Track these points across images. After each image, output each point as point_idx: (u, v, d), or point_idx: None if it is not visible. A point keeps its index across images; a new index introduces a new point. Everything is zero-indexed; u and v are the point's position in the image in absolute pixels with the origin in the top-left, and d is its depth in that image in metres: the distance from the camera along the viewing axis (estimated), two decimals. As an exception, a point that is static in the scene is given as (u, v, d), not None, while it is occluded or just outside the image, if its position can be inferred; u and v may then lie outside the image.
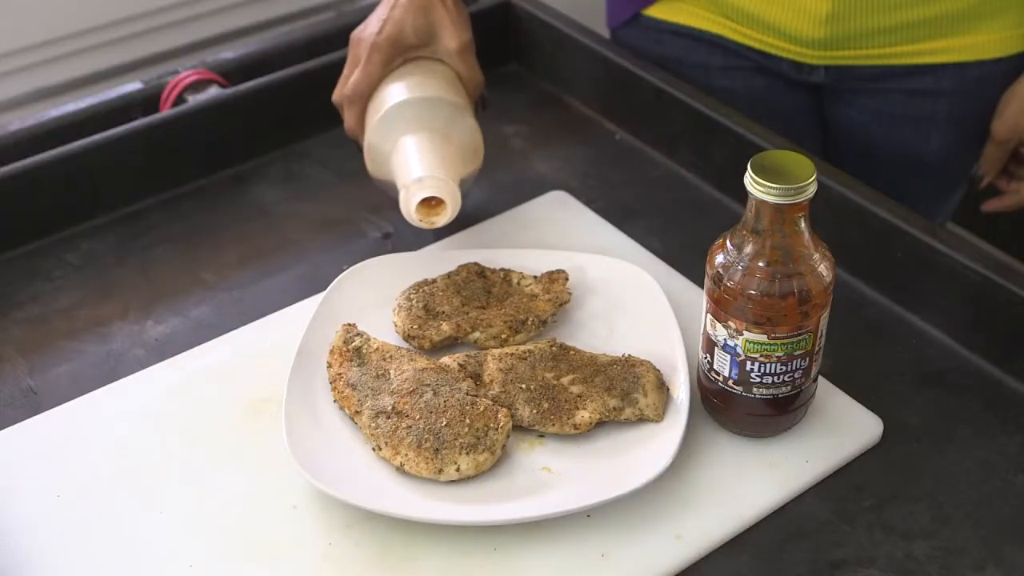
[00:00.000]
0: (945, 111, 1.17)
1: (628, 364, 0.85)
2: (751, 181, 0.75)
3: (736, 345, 0.79)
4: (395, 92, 0.96)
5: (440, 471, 0.79)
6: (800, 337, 0.78)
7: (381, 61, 0.98)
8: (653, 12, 1.22)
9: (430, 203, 0.92)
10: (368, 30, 1.00)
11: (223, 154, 1.14)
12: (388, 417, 0.81)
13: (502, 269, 0.95)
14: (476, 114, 1.02)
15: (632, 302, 0.93)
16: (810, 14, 1.12)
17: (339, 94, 1.01)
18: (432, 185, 0.89)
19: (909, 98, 1.17)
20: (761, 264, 0.77)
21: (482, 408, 0.81)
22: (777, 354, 0.79)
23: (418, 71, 0.98)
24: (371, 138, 0.96)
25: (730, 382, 0.81)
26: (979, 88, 1.16)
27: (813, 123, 1.24)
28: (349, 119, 1.00)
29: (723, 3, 1.17)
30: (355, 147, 1.02)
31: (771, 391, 0.81)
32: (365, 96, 0.99)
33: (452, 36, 1.00)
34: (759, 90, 1.20)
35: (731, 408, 0.83)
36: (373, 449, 0.81)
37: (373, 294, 0.94)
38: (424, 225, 0.92)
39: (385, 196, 1.00)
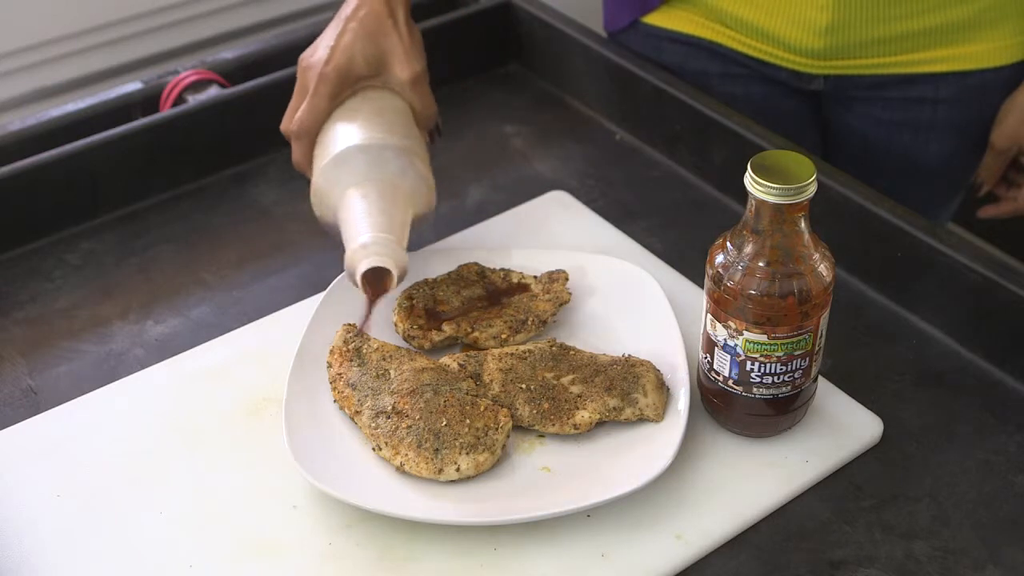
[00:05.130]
0: (944, 119, 1.17)
1: (628, 364, 0.85)
2: (751, 181, 0.75)
3: (736, 345, 0.79)
4: (343, 136, 0.91)
5: (440, 471, 0.79)
6: (800, 337, 0.78)
7: (328, 94, 0.93)
8: (652, 19, 1.22)
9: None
10: (315, 57, 0.94)
11: (223, 154, 1.14)
12: (388, 417, 0.81)
13: (502, 269, 0.95)
14: (429, 147, 0.97)
15: (632, 302, 0.93)
16: (810, 25, 1.11)
17: (287, 125, 0.97)
18: (377, 252, 0.84)
19: (908, 106, 1.17)
20: (761, 264, 0.77)
21: (482, 408, 0.81)
22: (777, 354, 0.79)
23: (367, 107, 0.93)
24: (318, 182, 0.91)
25: (730, 382, 0.81)
26: (978, 96, 1.16)
27: (812, 129, 1.24)
28: (296, 154, 0.95)
29: (722, 12, 1.16)
30: (306, 182, 0.96)
31: (771, 391, 0.81)
32: (312, 131, 0.94)
33: (404, 66, 0.95)
34: (758, 97, 1.20)
35: (731, 408, 0.83)
36: (373, 449, 0.81)
37: (373, 294, 0.94)
38: (369, 295, 0.87)
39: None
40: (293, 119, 0.95)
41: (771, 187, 0.74)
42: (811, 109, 1.23)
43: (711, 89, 1.19)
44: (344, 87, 0.94)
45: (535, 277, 0.94)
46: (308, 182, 0.95)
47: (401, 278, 0.85)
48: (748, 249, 0.77)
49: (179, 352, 0.92)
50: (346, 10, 0.96)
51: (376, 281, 0.86)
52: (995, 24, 1.12)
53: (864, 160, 1.22)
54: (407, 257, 0.86)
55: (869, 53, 1.13)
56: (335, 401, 0.85)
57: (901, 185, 1.18)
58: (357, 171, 0.89)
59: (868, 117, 1.20)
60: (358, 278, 0.85)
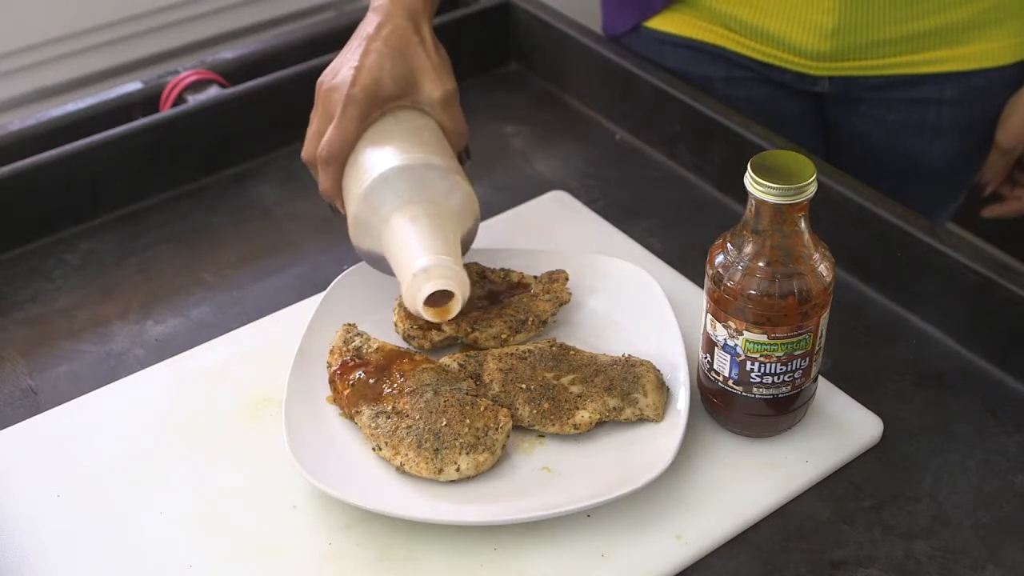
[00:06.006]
0: (948, 119, 1.17)
1: (628, 364, 0.85)
2: (751, 181, 0.75)
3: (736, 345, 0.79)
4: (381, 158, 0.86)
5: (440, 471, 0.79)
6: (800, 337, 0.78)
7: (357, 116, 0.88)
8: (653, 24, 1.21)
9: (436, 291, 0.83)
10: (339, 79, 0.89)
11: (223, 154, 1.14)
12: (388, 417, 0.81)
13: (502, 269, 0.95)
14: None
15: (632, 302, 0.93)
16: (816, 28, 1.11)
17: (310, 153, 0.91)
18: (440, 275, 0.81)
19: (912, 106, 1.17)
20: (761, 264, 0.77)
21: (482, 408, 0.81)
22: (777, 354, 0.79)
23: (400, 128, 0.89)
24: (359, 208, 0.86)
25: (730, 382, 0.81)
26: (982, 96, 1.16)
27: (816, 130, 1.24)
28: (325, 181, 0.90)
29: (726, 16, 1.16)
30: (331, 210, 0.94)
31: (771, 391, 0.81)
32: (342, 156, 0.89)
33: (435, 85, 0.91)
34: (762, 100, 1.20)
35: (731, 408, 0.83)
36: (373, 449, 0.81)
37: (373, 294, 0.94)
38: (434, 319, 0.83)
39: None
40: (319, 145, 0.90)
41: (771, 187, 0.74)
42: (815, 111, 1.22)
43: (714, 93, 1.19)
44: (373, 108, 0.89)
45: (535, 277, 0.94)
46: (310, 182, 0.95)
47: (464, 301, 0.82)
48: (748, 249, 0.77)
49: (179, 352, 0.92)
50: (367, 29, 0.92)
51: (435, 306, 0.82)
52: (998, 23, 1.12)
53: (868, 161, 1.22)
54: (468, 280, 0.83)
55: (874, 54, 1.13)
56: (335, 401, 0.85)
57: (904, 185, 1.18)
58: (401, 193, 0.85)
59: (872, 118, 1.20)
60: (420, 304, 0.81)
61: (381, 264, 0.89)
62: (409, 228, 0.84)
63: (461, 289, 0.82)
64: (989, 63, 1.14)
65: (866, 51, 1.13)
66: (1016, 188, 1.22)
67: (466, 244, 0.90)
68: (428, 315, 0.82)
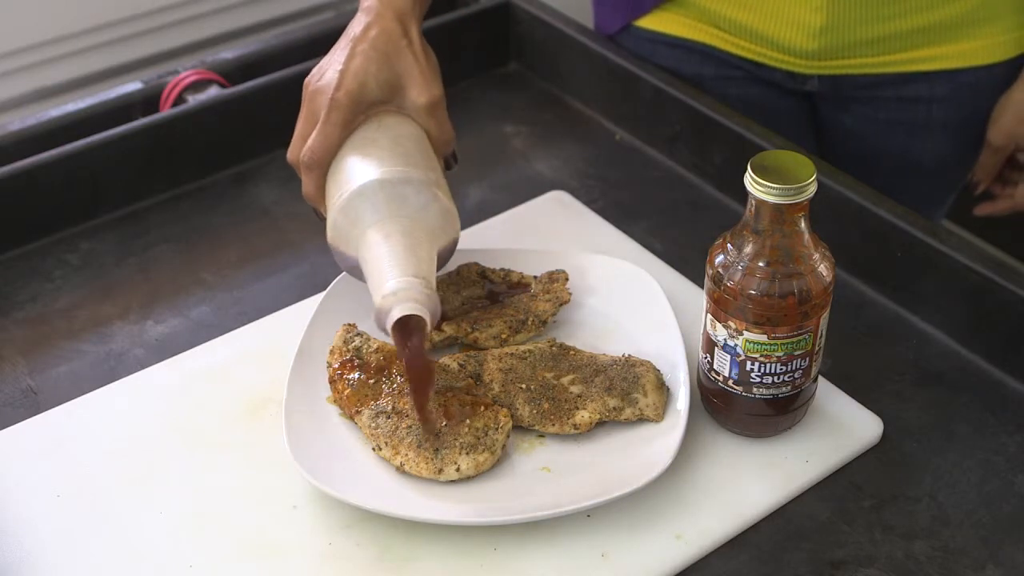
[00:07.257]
0: (939, 117, 1.17)
1: (628, 364, 0.85)
2: (751, 181, 0.75)
3: (736, 345, 0.79)
4: (361, 169, 0.84)
5: (440, 471, 0.79)
6: (800, 337, 0.78)
7: (341, 122, 0.86)
8: (644, 23, 1.21)
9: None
10: (324, 81, 0.87)
11: (223, 154, 1.14)
12: (388, 417, 0.81)
13: (502, 269, 0.95)
14: (444, 174, 0.90)
15: (632, 302, 0.93)
16: (804, 26, 1.11)
17: (294, 155, 0.90)
18: (408, 298, 0.78)
19: (903, 105, 1.17)
20: (761, 264, 0.77)
21: (482, 408, 0.81)
22: (777, 354, 0.79)
23: (384, 136, 0.87)
24: (337, 219, 0.84)
25: (730, 382, 0.81)
26: (972, 94, 1.16)
27: (808, 130, 1.24)
28: (307, 186, 0.88)
29: (716, 15, 1.16)
30: (314, 213, 0.92)
31: (771, 391, 0.81)
32: (324, 162, 0.87)
33: (421, 90, 0.88)
34: (753, 99, 1.20)
35: (731, 408, 0.83)
36: (373, 449, 0.81)
37: (373, 294, 0.94)
38: (398, 344, 0.80)
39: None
40: (303, 149, 0.88)
41: (771, 187, 0.74)
42: (806, 110, 1.23)
43: (706, 92, 1.19)
44: (357, 113, 0.87)
45: (535, 277, 0.94)
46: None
47: (434, 324, 0.80)
48: (748, 249, 0.77)
49: (179, 352, 0.92)
50: (354, 30, 0.90)
51: (408, 327, 0.80)
52: (987, 21, 1.12)
53: (860, 160, 1.22)
54: (439, 300, 0.81)
55: (863, 53, 1.13)
56: (335, 401, 0.85)
57: (897, 184, 1.18)
58: (378, 208, 0.83)
59: (863, 117, 1.20)
60: (389, 328, 0.79)
61: (360, 274, 0.87)
62: (383, 245, 0.82)
63: (431, 313, 0.79)
64: (979, 61, 1.14)
65: (855, 49, 1.13)
66: (1007, 186, 1.22)
67: (444, 258, 0.88)
68: (394, 338, 0.80)
